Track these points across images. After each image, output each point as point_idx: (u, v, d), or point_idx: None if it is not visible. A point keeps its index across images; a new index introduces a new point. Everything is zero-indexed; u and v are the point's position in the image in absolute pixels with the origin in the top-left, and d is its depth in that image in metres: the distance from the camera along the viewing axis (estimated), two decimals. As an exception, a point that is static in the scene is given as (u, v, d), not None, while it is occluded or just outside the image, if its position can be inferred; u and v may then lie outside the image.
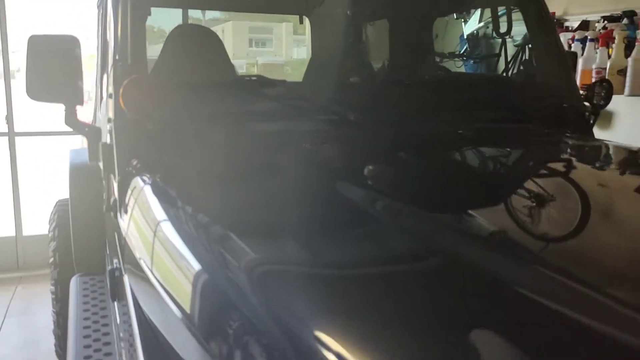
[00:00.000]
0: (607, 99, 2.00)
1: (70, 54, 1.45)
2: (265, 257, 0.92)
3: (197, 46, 1.96)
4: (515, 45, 2.48)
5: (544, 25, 2.13)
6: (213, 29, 2.95)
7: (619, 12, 3.42)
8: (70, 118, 1.55)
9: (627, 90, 3.09)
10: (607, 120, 3.62)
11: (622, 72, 3.10)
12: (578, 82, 3.41)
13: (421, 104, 1.76)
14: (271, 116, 1.56)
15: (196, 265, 0.92)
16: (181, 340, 0.88)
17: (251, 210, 1.12)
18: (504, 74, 2.43)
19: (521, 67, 2.34)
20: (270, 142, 1.50)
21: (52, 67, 1.43)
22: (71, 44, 1.46)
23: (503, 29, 2.35)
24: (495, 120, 1.84)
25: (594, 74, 3.28)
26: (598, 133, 3.54)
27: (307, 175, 1.33)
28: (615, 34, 3.18)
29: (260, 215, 1.08)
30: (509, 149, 1.74)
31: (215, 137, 1.47)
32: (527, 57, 2.30)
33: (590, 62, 3.31)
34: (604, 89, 1.98)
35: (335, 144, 1.59)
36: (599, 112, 2.04)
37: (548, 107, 1.97)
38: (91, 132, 1.65)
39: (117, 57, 1.51)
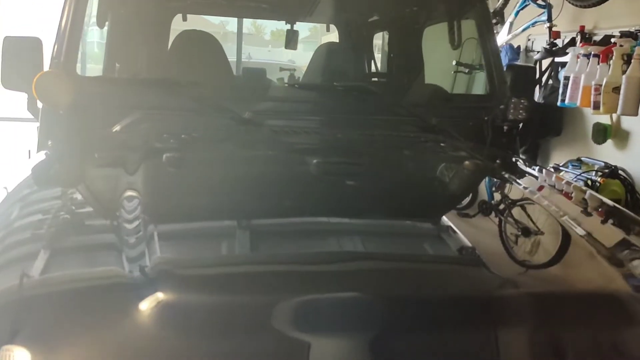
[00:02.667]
0: (525, 114, 2.01)
1: (34, 52, 1.77)
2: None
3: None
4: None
5: (482, 36, 2.17)
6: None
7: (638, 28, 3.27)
8: (32, 105, 1.87)
9: (619, 109, 2.97)
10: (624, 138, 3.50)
11: (617, 89, 2.98)
12: (577, 98, 3.32)
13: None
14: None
15: None
16: None
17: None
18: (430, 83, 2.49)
19: (454, 79, 2.38)
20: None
21: (20, 62, 1.76)
22: (35, 43, 1.79)
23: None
24: (395, 128, 1.93)
25: (592, 91, 3.17)
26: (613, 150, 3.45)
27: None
28: (615, 50, 3.06)
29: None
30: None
31: (115, 126, 1.72)
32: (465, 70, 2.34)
33: (591, 79, 3.21)
34: (519, 104, 2.00)
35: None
36: (517, 126, 2.06)
37: (462, 119, 2.03)
38: None
39: (54, 55, 1.82)
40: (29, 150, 1.72)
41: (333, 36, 3.87)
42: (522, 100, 2.01)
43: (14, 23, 4.91)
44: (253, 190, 1.47)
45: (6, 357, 0.83)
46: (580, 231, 1.35)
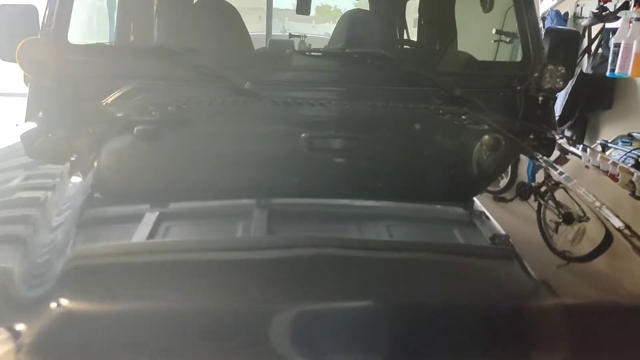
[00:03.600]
0: (563, 83, 1.80)
1: (29, 20, 1.69)
2: None
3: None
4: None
5: (517, 5, 1.95)
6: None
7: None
8: (27, 78, 1.81)
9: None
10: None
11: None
12: (628, 68, 3.02)
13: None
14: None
15: None
16: None
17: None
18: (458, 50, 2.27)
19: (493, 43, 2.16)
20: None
21: (16, 31, 1.67)
22: (31, 11, 1.71)
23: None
24: (416, 100, 1.76)
25: (647, 59, 2.88)
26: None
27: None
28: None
29: None
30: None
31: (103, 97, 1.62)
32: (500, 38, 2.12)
33: (646, 45, 2.90)
34: (556, 72, 1.78)
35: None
36: (553, 97, 1.84)
37: (491, 88, 1.83)
38: None
39: (44, 23, 1.71)
40: (17, 124, 1.65)
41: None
42: (560, 67, 1.79)
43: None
44: (239, 167, 1.35)
45: None
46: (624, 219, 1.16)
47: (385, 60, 1.88)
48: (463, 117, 1.70)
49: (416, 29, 3.37)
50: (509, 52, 2.87)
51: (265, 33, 4.62)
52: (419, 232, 1.19)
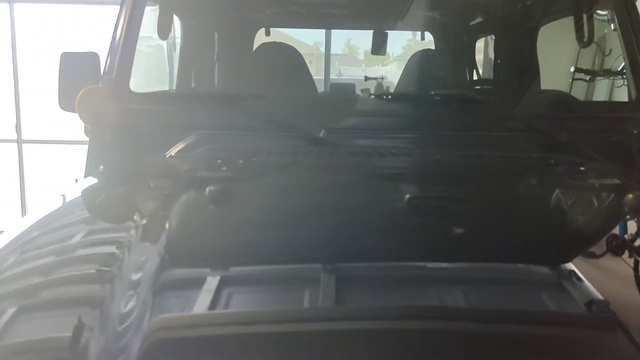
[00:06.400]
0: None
1: (91, 68, 1.62)
2: None
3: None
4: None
5: (623, 25, 1.70)
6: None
7: None
8: (88, 129, 1.72)
9: None
10: None
11: None
12: None
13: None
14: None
15: None
16: None
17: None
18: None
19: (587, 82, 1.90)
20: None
21: (78, 80, 1.61)
22: (93, 59, 1.63)
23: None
24: (509, 147, 1.52)
25: None
26: None
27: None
28: None
29: None
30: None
31: (166, 149, 1.49)
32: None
33: None
34: None
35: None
36: None
37: (601, 132, 1.58)
38: None
39: (106, 70, 1.62)
40: (76, 179, 1.54)
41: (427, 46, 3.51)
42: None
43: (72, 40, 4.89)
44: (322, 230, 1.18)
45: None
46: None
47: (471, 102, 1.67)
48: (581, 167, 1.45)
49: (483, 68, 3.18)
50: (603, 92, 2.60)
51: (323, 77, 4.54)
52: (503, 297, 1.01)
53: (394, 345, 0.80)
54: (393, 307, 0.90)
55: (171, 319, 0.88)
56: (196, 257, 1.08)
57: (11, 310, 0.90)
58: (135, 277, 1.02)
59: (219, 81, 2.31)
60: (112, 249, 1.12)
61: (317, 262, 1.03)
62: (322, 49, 4.71)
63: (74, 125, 1.74)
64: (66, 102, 1.60)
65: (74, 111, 1.61)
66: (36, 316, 0.91)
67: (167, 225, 1.19)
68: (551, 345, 0.85)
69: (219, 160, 1.39)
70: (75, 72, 1.59)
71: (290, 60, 2.12)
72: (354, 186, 1.45)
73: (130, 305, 0.93)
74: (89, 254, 1.13)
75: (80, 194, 1.41)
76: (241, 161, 1.40)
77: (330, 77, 4.62)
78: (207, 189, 1.25)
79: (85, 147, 1.58)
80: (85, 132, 1.67)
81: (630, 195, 1.31)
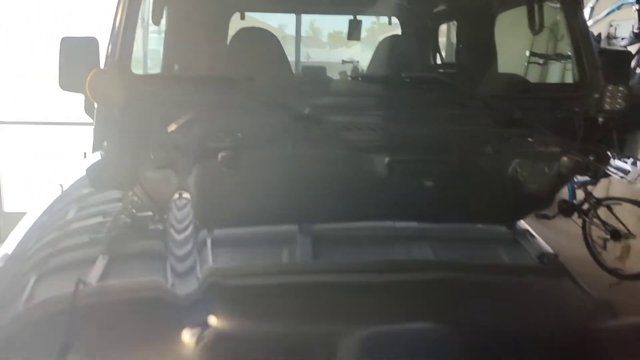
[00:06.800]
0: (623, 104, 1.75)
1: (90, 52, 1.74)
2: None
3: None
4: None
5: (569, 14, 1.92)
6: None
7: None
8: (89, 107, 1.82)
9: None
10: None
11: None
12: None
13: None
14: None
15: None
16: None
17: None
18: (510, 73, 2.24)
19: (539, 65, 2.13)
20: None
21: (77, 62, 1.72)
22: (92, 43, 1.75)
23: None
24: (471, 123, 1.73)
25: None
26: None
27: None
28: None
29: None
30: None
31: (170, 125, 1.63)
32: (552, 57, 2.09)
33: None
34: (617, 93, 1.74)
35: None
36: (615, 117, 1.80)
37: (549, 110, 1.80)
38: None
39: (108, 54, 1.76)
40: (85, 153, 1.67)
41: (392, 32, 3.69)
42: (620, 88, 1.75)
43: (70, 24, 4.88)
44: (315, 192, 1.35)
45: None
46: None
47: (437, 84, 1.86)
48: (532, 140, 1.66)
49: (447, 52, 3.39)
50: (556, 74, 2.84)
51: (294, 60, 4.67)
52: (466, 252, 1.16)
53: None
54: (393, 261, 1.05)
55: (223, 268, 1.01)
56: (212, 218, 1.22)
57: (103, 259, 1.03)
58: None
59: (201, 64, 2.43)
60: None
61: (299, 223, 1.18)
62: (288, 31, 4.84)
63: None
64: (66, 83, 1.72)
65: (73, 91, 1.74)
66: (125, 264, 1.05)
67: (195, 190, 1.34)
68: (506, 291, 0.98)
69: (221, 134, 1.55)
70: (75, 55, 1.71)
71: (268, 44, 2.26)
72: (334, 156, 1.62)
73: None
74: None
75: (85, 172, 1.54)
76: (240, 134, 1.56)
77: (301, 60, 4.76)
78: (220, 155, 1.41)
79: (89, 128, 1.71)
80: (86, 111, 1.80)
81: (573, 162, 1.52)
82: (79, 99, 1.83)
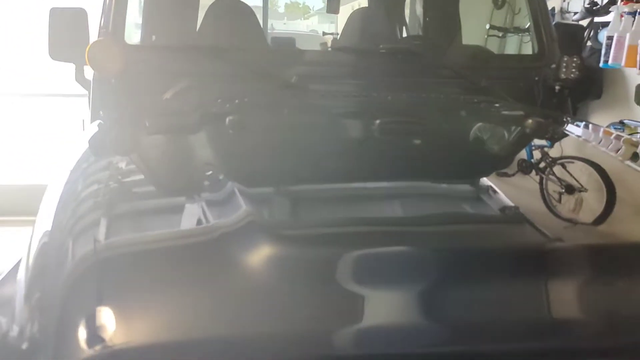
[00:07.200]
0: (578, 73, 1.93)
1: (79, 22, 1.79)
2: None
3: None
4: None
5: None
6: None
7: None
8: (79, 76, 1.87)
9: (666, 68, 2.86)
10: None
11: (665, 48, 2.86)
12: (622, 59, 3.20)
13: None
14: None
15: None
16: None
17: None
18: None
19: (500, 37, 2.30)
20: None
21: (67, 33, 1.77)
22: (80, 14, 1.80)
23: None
24: (442, 91, 1.88)
25: (639, 50, 3.05)
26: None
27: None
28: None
29: None
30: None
31: (166, 93, 1.70)
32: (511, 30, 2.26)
33: (637, 38, 3.08)
34: (572, 63, 1.92)
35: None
36: (570, 86, 1.98)
37: (511, 79, 1.96)
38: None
39: (101, 25, 1.80)
40: (83, 120, 1.73)
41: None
42: (575, 58, 1.93)
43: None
44: (306, 153, 1.44)
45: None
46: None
47: (408, 54, 1.99)
48: (496, 105, 1.82)
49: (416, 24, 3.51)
50: (514, 46, 3.01)
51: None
52: (435, 207, 1.26)
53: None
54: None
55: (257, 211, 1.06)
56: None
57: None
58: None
59: (179, 35, 2.48)
60: None
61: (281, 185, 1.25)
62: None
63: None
64: (56, 52, 1.77)
65: (63, 60, 1.78)
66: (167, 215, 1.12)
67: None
68: (473, 237, 1.09)
69: (220, 100, 1.63)
70: (64, 25, 1.76)
71: (247, 16, 2.33)
72: (316, 120, 1.72)
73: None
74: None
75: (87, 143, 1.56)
76: (237, 100, 1.65)
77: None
78: (227, 119, 1.47)
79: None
80: (76, 79, 1.84)
81: (531, 124, 1.67)
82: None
